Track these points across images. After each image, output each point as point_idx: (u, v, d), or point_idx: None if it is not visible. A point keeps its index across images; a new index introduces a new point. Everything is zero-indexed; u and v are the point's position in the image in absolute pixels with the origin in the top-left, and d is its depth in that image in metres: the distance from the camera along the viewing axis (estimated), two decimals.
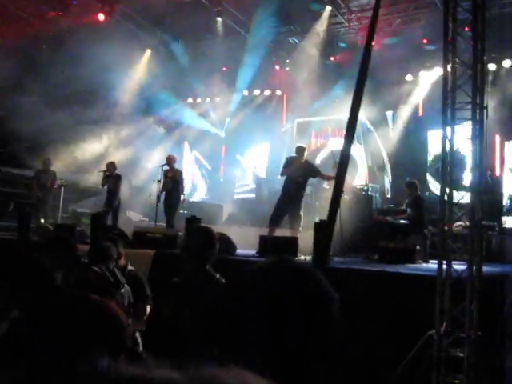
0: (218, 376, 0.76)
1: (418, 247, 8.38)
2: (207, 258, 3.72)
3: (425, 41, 13.36)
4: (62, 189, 13.49)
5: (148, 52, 16.58)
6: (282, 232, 10.02)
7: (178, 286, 3.70)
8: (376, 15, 7.71)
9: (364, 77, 7.20)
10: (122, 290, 4.21)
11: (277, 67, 16.82)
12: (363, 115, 14.76)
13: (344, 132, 7.75)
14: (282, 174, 10.70)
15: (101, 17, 13.45)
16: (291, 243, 8.45)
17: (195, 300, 3.41)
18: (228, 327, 1.30)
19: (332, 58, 15.19)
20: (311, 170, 10.61)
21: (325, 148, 16.87)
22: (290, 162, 10.59)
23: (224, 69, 16.81)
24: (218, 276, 3.72)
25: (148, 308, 4.94)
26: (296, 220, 10.15)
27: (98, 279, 3.95)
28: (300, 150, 10.64)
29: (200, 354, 1.00)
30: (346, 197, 9.90)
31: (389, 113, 15.69)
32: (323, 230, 6.97)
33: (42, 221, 12.06)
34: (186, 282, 3.70)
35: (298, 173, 10.34)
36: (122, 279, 4.35)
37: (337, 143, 15.77)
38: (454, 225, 5.70)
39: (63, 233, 9.76)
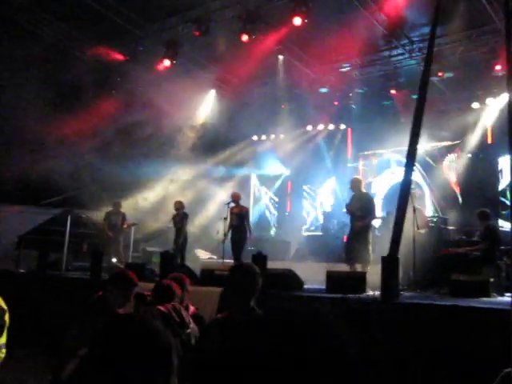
0: None
1: (491, 279, 8.08)
2: (249, 294, 3.73)
3: (497, 67, 12.98)
4: (133, 229, 13.92)
5: (213, 92, 16.95)
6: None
7: (221, 322, 3.72)
8: (432, 43, 7.64)
9: (422, 104, 7.12)
10: (188, 330, 4.24)
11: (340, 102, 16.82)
12: (428, 146, 14.59)
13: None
14: (346, 209, 10.60)
15: (166, 62, 13.87)
16: (359, 278, 8.33)
17: (233, 337, 3.44)
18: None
19: (393, 91, 15.02)
20: (365, 203, 10.27)
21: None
22: (351, 197, 10.53)
23: (283, 106, 16.92)
24: (258, 312, 3.71)
25: None
26: (361, 254, 9.94)
27: (162, 318, 3.99)
28: (353, 183, 10.54)
29: None
30: (421, 231, 9.70)
31: (456, 142, 15.39)
32: (390, 263, 6.84)
33: (114, 260, 12.42)
34: (227, 319, 3.72)
35: (356, 206, 10.22)
36: (188, 318, 4.38)
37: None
38: None
39: (134, 272, 10.01)
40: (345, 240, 10.32)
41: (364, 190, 10.77)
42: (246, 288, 3.71)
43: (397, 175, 16.58)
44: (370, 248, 10.06)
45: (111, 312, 4.59)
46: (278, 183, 19.61)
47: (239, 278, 3.79)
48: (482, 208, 10.13)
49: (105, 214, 13.75)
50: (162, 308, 4.20)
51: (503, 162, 14.01)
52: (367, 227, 10.16)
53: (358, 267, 9.88)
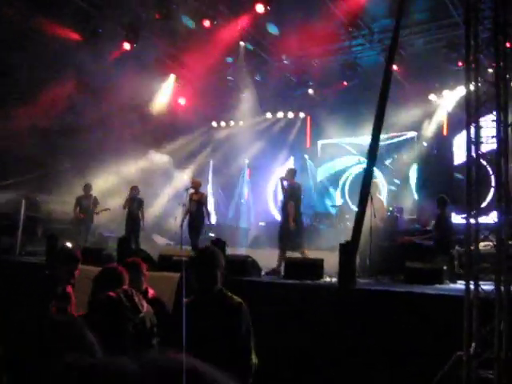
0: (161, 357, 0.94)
1: (444, 267, 8.30)
2: (215, 277, 3.75)
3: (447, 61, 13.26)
4: (100, 214, 13.69)
5: (172, 76, 16.78)
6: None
7: (189, 306, 3.74)
8: (396, 36, 7.73)
9: (385, 98, 7.20)
10: (141, 314, 4.21)
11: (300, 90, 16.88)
12: (385, 137, 14.79)
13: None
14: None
15: (126, 46, 13.67)
16: (316, 265, 8.43)
17: (202, 320, 3.48)
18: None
19: (356, 81, 15.15)
20: (292, 193, 10.58)
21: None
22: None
23: (245, 93, 16.87)
24: (231, 295, 3.75)
25: None
26: (295, 241, 10.19)
27: (110, 303, 3.94)
28: (286, 173, 10.81)
29: None
30: (378, 221, 9.86)
31: (412, 133, 15.67)
32: (348, 251, 6.94)
33: (69, 244, 12.18)
34: (195, 303, 3.75)
35: (284, 194, 10.59)
36: (141, 302, 4.34)
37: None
38: (481, 244, 5.63)
39: (90, 256, 9.90)
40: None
41: (295, 180, 10.93)
42: (209, 271, 3.75)
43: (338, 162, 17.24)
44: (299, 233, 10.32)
45: (59, 289, 4.58)
46: (235, 170, 19.58)
47: (207, 259, 3.85)
48: (441, 194, 10.24)
49: (76, 198, 13.51)
50: (111, 294, 4.15)
51: (458, 141, 14.13)
52: (294, 217, 10.31)
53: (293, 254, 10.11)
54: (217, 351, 3.37)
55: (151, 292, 5.14)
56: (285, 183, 10.60)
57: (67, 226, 13.44)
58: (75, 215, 13.39)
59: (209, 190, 18.59)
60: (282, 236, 10.32)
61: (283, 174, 10.83)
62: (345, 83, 15.02)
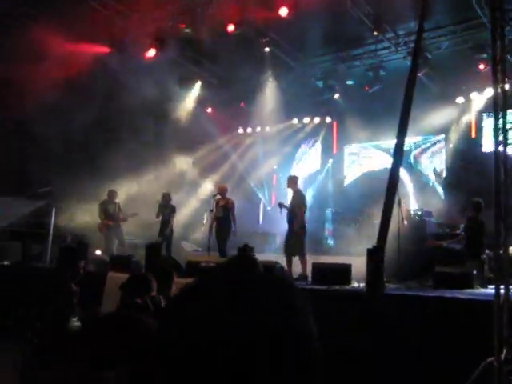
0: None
1: (474, 272, 8.18)
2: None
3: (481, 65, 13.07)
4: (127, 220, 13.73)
5: (198, 83, 16.91)
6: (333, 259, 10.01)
7: None
8: (420, 38, 7.67)
9: (410, 101, 7.15)
10: None
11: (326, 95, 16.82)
12: (411, 140, 14.68)
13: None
14: (283, 207, 11.08)
15: (151, 52, 13.82)
16: (344, 270, 8.40)
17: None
18: None
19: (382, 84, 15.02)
20: (298, 200, 10.80)
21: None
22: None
23: (271, 99, 16.86)
24: None
25: None
26: (298, 249, 10.40)
27: (136, 310, 3.97)
28: (288, 181, 11.16)
29: None
30: (405, 222, 9.82)
31: (440, 137, 15.51)
32: (375, 255, 6.88)
33: (98, 252, 12.31)
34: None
35: (293, 203, 10.81)
36: None
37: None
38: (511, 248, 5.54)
39: (119, 264, 10.00)
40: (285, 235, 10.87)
41: (298, 187, 11.19)
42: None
43: (365, 166, 17.17)
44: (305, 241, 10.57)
45: (63, 285, 4.64)
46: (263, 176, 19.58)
47: (243, 268, 3.83)
48: (477, 198, 10.05)
49: (99, 204, 13.45)
50: (138, 300, 4.18)
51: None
52: (303, 224, 10.58)
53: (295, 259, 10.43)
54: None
55: None
56: (289, 191, 10.73)
57: (95, 234, 13.47)
58: (102, 222, 13.28)
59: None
60: (295, 242, 10.50)
61: (287, 185, 11.17)
62: (370, 88, 14.91)
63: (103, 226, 13.26)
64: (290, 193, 11.25)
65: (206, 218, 12.93)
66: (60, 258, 5.20)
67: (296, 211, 10.58)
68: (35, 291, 4.73)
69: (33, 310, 4.30)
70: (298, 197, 10.86)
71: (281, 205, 11.00)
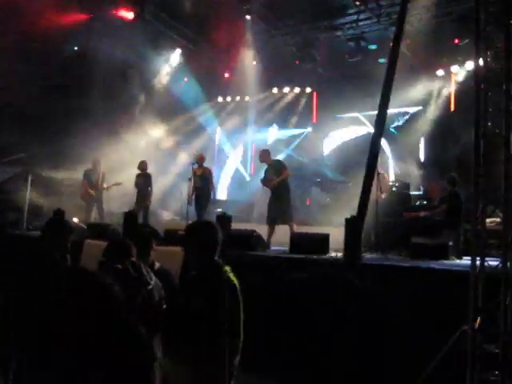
0: None
1: (450, 243, 8.29)
2: (212, 250, 3.76)
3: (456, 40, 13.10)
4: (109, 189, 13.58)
5: (178, 51, 16.69)
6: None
7: (187, 281, 3.76)
8: (404, 9, 7.63)
9: (392, 72, 7.14)
10: (150, 287, 4.23)
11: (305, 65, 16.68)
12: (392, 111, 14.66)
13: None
14: (263, 183, 11.28)
15: (130, 15, 13.58)
16: (322, 240, 8.45)
17: (195, 295, 3.55)
18: None
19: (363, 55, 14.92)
20: (279, 169, 10.86)
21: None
22: (265, 169, 11.20)
23: (251, 68, 16.69)
24: (226, 269, 3.73)
25: None
26: (285, 214, 10.48)
27: (116, 275, 3.95)
28: (262, 156, 11.19)
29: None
30: (383, 195, 9.89)
31: (418, 108, 15.53)
32: (354, 225, 6.93)
33: (75, 220, 12.21)
34: (193, 277, 3.78)
35: (271, 174, 10.86)
36: (150, 275, 4.36)
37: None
38: (488, 220, 5.61)
39: (96, 232, 9.95)
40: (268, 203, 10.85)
41: (273, 158, 11.29)
42: (199, 246, 3.76)
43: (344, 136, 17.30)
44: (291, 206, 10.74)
45: (51, 258, 4.59)
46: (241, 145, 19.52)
47: (191, 236, 3.85)
48: (452, 173, 10.14)
49: (83, 172, 13.29)
50: (118, 265, 4.16)
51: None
52: (285, 187, 10.71)
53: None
54: (205, 326, 3.42)
55: (157, 265, 5.17)
56: (272, 181, 10.73)
57: (75, 202, 13.33)
58: (84, 190, 13.15)
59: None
60: (276, 215, 10.54)
61: (262, 161, 11.16)
62: (351, 58, 14.85)
63: (85, 194, 13.14)
64: (264, 166, 11.17)
65: (184, 188, 12.85)
66: (47, 229, 5.07)
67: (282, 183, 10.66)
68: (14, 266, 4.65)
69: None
70: (278, 166, 10.87)
71: (265, 183, 11.07)
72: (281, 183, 10.59)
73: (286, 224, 10.39)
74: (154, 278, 4.41)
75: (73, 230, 5.18)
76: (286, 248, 8.81)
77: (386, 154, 14.99)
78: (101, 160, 13.43)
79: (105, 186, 13.32)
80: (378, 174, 9.16)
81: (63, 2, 12.83)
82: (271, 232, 10.33)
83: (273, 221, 10.44)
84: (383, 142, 14.54)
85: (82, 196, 13.22)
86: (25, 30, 12.21)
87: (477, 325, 4.87)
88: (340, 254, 7.75)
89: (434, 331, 5.34)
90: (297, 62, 16.04)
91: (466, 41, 12.55)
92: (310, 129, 18.32)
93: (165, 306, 4.20)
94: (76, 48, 14.43)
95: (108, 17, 13.72)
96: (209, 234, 3.82)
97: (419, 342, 5.45)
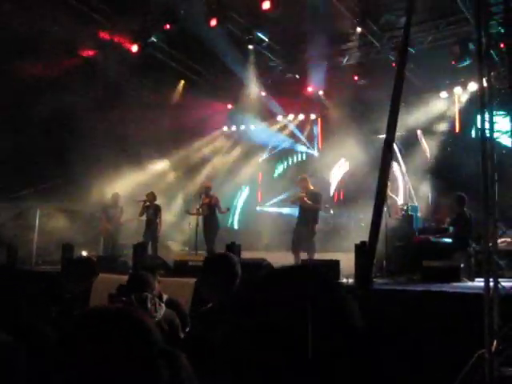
0: None
1: (462, 265, 8.22)
2: (232, 283, 3.67)
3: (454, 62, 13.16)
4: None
5: (181, 83, 16.84)
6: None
7: (203, 314, 3.68)
8: (407, 33, 7.67)
9: (399, 95, 7.15)
10: (156, 319, 4.20)
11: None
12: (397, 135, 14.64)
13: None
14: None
15: (134, 48, 13.75)
16: (333, 266, 8.39)
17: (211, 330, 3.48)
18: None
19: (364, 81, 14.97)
20: (315, 199, 11.02)
21: None
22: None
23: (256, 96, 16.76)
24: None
25: None
26: (309, 244, 10.59)
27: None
28: (301, 183, 11.30)
29: None
30: (396, 217, 9.87)
31: (423, 131, 15.51)
32: (365, 251, 6.89)
33: (84, 253, 12.22)
34: (210, 311, 3.69)
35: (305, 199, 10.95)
36: (156, 307, 4.33)
37: None
38: (499, 241, 5.57)
39: (105, 265, 9.93)
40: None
41: (312, 187, 11.32)
42: (226, 276, 3.68)
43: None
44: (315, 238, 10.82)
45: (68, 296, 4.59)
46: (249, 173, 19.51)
47: (218, 267, 3.77)
48: (459, 193, 10.07)
49: (102, 206, 13.61)
50: (124, 299, 4.15)
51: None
52: (315, 218, 10.84)
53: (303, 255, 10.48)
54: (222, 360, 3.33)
55: (165, 297, 5.15)
56: (303, 195, 10.75)
57: (82, 236, 13.35)
58: (102, 226, 13.35)
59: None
60: (300, 238, 10.60)
61: (300, 187, 11.25)
62: (355, 83, 14.92)
63: (103, 230, 13.36)
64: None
65: (193, 220, 12.88)
66: (69, 270, 5.01)
67: (312, 208, 10.79)
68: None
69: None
70: (315, 196, 11.03)
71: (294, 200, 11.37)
72: (312, 213, 10.75)
73: (306, 252, 10.48)
74: (163, 309, 4.40)
75: (98, 272, 5.15)
76: None
77: (395, 175, 14.90)
78: (120, 195, 13.68)
79: (122, 221, 13.51)
80: (387, 197, 9.13)
81: None
82: (297, 259, 10.31)
83: (296, 246, 10.60)
84: (395, 167, 14.54)
85: (100, 231, 13.51)
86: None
87: (493, 348, 4.81)
88: (351, 280, 7.68)
89: (450, 356, 5.26)
90: (302, 88, 16.14)
91: (466, 63, 12.57)
92: (316, 154, 18.33)
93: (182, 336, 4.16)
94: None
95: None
96: (228, 266, 3.75)
97: (434, 368, 5.36)
